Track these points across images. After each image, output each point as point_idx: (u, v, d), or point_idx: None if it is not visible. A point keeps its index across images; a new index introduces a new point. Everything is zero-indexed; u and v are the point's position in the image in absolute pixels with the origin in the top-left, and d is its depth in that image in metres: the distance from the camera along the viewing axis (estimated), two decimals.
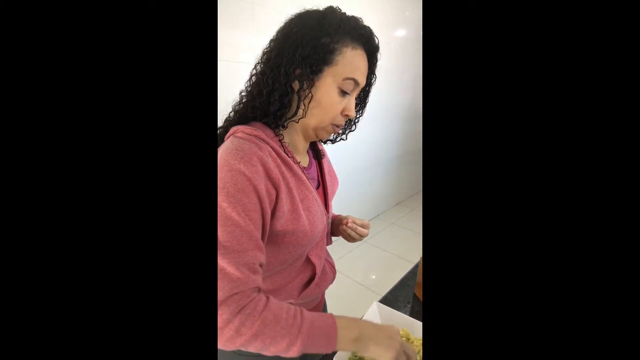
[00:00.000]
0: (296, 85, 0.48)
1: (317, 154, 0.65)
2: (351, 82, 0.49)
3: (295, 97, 0.49)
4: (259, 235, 0.44)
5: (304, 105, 0.49)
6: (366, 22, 0.52)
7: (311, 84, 0.48)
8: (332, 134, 0.56)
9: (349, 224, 0.66)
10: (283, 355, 0.42)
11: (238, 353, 0.56)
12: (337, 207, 0.77)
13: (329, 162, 0.68)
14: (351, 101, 0.51)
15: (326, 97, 0.49)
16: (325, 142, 0.65)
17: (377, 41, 0.52)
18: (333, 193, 0.65)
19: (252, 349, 0.42)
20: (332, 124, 0.53)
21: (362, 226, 0.67)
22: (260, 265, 0.45)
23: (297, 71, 0.47)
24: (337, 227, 0.70)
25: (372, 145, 2.56)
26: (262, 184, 0.44)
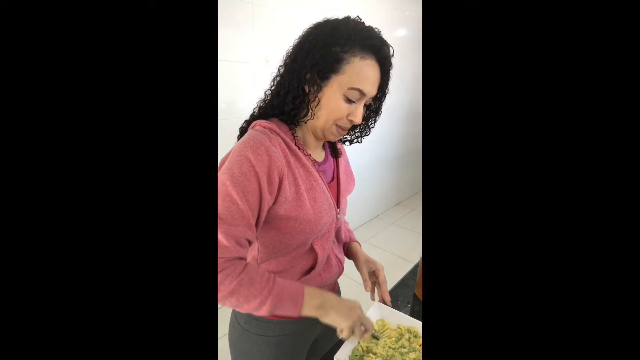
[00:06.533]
0: (306, 88, 0.53)
1: (334, 152, 0.68)
2: (356, 92, 0.52)
3: (306, 100, 0.54)
4: (252, 216, 0.50)
5: (311, 108, 0.54)
6: (365, 22, 0.53)
7: (318, 89, 0.52)
8: (341, 136, 0.59)
9: (381, 282, 0.68)
10: (254, 313, 0.49)
11: (246, 330, 0.63)
12: None
13: (346, 162, 0.71)
14: (358, 108, 0.54)
15: (331, 102, 0.53)
16: (343, 142, 0.69)
17: (388, 51, 0.53)
18: (347, 191, 0.68)
19: (228, 304, 0.48)
20: (337, 126, 0.56)
21: (383, 292, 0.68)
22: (249, 242, 0.51)
23: (307, 76, 0.52)
24: (363, 264, 0.70)
25: (372, 145, 2.55)
26: (265, 172, 0.49)
